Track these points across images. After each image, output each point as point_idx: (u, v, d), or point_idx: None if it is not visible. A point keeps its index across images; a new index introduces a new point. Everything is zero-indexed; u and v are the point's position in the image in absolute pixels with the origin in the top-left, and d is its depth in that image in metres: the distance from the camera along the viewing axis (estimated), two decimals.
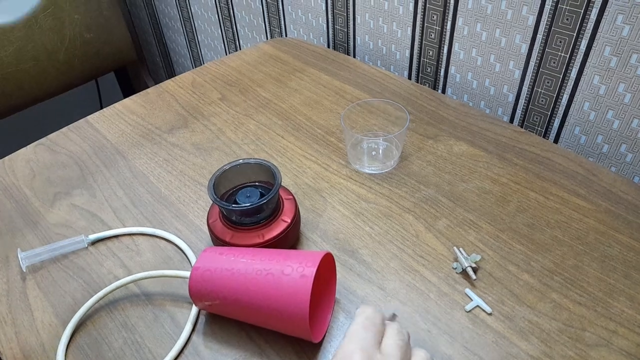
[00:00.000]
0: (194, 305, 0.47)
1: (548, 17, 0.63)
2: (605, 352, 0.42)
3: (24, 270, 0.52)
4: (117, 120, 0.74)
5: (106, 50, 1.24)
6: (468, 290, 0.47)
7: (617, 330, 0.44)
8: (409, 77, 0.86)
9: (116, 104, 0.78)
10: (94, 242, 0.55)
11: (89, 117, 0.75)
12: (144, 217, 0.58)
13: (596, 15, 0.59)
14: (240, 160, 0.52)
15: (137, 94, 0.80)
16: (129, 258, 0.53)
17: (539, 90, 0.70)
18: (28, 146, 0.70)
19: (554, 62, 0.66)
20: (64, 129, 0.73)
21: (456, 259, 0.50)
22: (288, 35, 1.06)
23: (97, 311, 0.48)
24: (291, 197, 0.53)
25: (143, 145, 0.69)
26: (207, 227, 0.51)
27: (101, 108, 0.77)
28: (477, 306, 0.46)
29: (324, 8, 0.93)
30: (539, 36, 0.65)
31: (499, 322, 0.45)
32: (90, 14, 1.18)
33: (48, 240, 0.56)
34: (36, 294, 0.51)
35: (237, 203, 0.49)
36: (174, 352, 0.44)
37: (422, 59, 0.82)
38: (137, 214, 0.58)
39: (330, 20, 0.93)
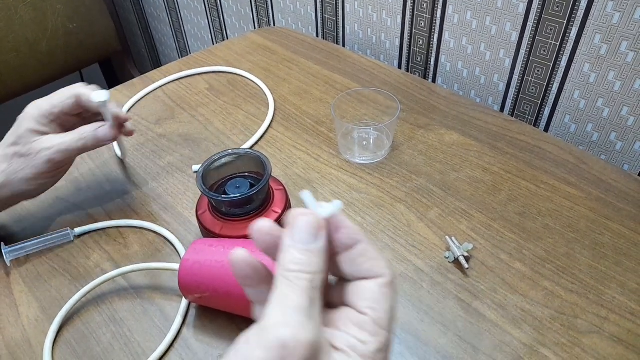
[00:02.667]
0: (183, 298, 0.46)
1: (538, 4, 0.63)
2: (597, 338, 0.42)
3: (8, 265, 0.50)
4: None
5: (90, 41, 1.21)
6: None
7: (608, 316, 0.44)
8: (399, 67, 0.85)
9: None
10: (80, 235, 0.54)
11: None
12: (132, 210, 0.57)
13: (586, 2, 0.58)
14: (229, 151, 0.51)
15: (123, 84, 0.78)
16: (116, 251, 0.52)
17: (529, 78, 0.69)
18: None
19: (544, 50, 0.66)
20: None
21: (448, 248, 0.50)
22: (276, 25, 1.05)
23: (84, 305, 0.47)
24: (282, 187, 0.52)
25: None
26: (196, 218, 0.50)
27: None
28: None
29: None
30: (530, 24, 0.65)
31: (492, 311, 0.45)
32: (72, 4, 1.15)
33: (33, 234, 0.54)
34: (21, 288, 0.49)
35: (226, 194, 0.48)
36: (164, 345, 0.43)
37: (412, 47, 0.81)
38: (124, 206, 0.57)
39: (319, 9, 0.92)
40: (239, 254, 0.27)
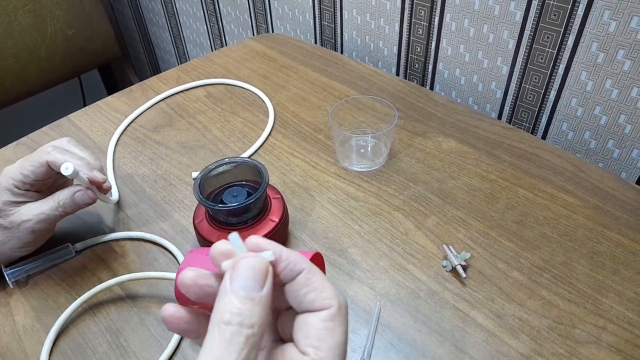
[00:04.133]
0: None
1: (535, 12, 0.63)
2: (594, 348, 0.42)
3: (11, 287, 0.50)
4: (100, 118, 0.73)
5: (89, 47, 1.21)
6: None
7: (606, 326, 0.44)
8: (397, 74, 0.86)
9: (99, 102, 0.76)
10: (81, 250, 0.53)
11: (71, 115, 0.73)
12: (129, 218, 0.57)
13: (583, 11, 0.59)
14: (227, 159, 0.51)
15: (121, 91, 0.78)
16: (113, 260, 0.52)
17: (527, 86, 0.69)
18: (8, 145, 0.68)
19: (541, 58, 0.66)
20: (44, 128, 0.71)
21: (446, 257, 0.50)
22: (275, 32, 1.05)
23: (80, 315, 0.47)
24: (279, 196, 0.52)
25: (127, 143, 0.68)
26: (193, 227, 0.50)
27: (84, 106, 0.75)
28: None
29: (311, 4, 0.92)
30: (527, 32, 0.65)
31: (489, 321, 0.45)
32: (71, 10, 1.15)
33: None
34: (17, 297, 0.49)
35: (223, 203, 0.48)
36: (165, 355, 0.43)
37: (410, 55, 0.81)
38: (122, 214, 0.57)
39: (317, 16, 0.92)
40: (168, 311, 0.26)
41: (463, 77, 0.76)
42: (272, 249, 0.25)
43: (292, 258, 0.25)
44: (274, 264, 0.24)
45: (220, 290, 0.23)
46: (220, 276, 0.25)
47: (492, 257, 0.50)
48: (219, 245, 0.25)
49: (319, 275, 0.25)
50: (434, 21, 0.74)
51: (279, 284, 0.25)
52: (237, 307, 0.22)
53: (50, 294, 0.49)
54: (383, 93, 0.74)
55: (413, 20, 0.77)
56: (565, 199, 0.56)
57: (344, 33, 0.90)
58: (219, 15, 1.17)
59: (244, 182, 0.51)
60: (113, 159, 0.65)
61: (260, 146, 0.66)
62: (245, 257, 0.24)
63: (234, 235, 0.24)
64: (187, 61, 0.86)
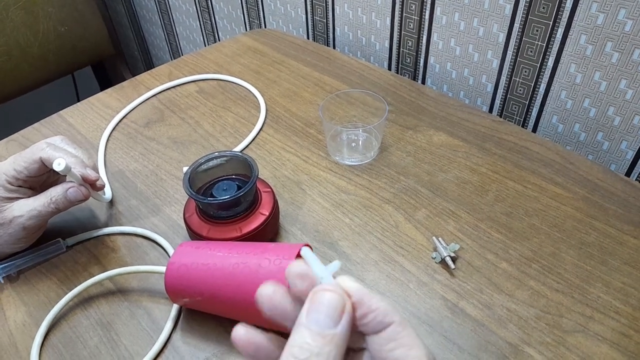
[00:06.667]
0: (174, 304, 0.46)
1: (524, 5, 0.63)
2: (581, 337, 0.43)
3: (1, 282, 0.50)
4: (91, 114, 0.73)
5: (82, 44, 1.21)
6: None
7: (593, 315, 0.44)
8: (389, 68, 0.86)
9: (91, 98, 0.76)
10: (72, 245, 0.53)
11: (63, 112, 0.73)
12: (120, 213, 0.57)
13: (571, 3, 0.59)
14: (216, 153, 0.51)
15: (112, 87, 0.78)
16: (104, 254, 0.52)
17: (517, 79, 0.70)
18: None
19: (531, 51, 0.66)
20: (36, 124, 0.71)
21: (435, 249, 0.50)
22: (267, 27, 1.05)
23: (71, 309, 0.47)
24: (269, 189, 0.52)
25: (118, 139, 0.68)
26: (183, 221, 0.51)
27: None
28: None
29: None
30: (516, 25, 0.65)
31: (478, 311, 0.45)
32: (64, 7, 1.15)
33: None
34: (8, 292, 0.49)
35: (213, 196, 0.48)
36: (155, 348, 0.43)
37: (401, 49, 0.81)
38: (113, 210, 0.57)
39: (309, 11, 0.92)
40: (238, 333, 0.24)
41: (454, 71, 0.76)
42: (351, 283, 0.23)
43: (382, 308, 0.22)
44: (356, 307, 0.23)
45: (297, 321, 0.22)
46: (297, 298, 0.24)
47: (481, 248, 0.50)
48: (295, 267, 0.23)
49: (409, 330, 0.22)
50: (424, 15, 0.74)
51: (358, 332, 0.23)
52: (307, 342, 0.21)
53: (41, 289, 0.49)
54: (375, 87, 0.74)
55: (404, 14, 0.77)
56: (555, 190, 0.56)
57: (335, 28, 0.90)
58: (211, 11, 1.17)
59: (234, 176, 0.51)
60: (104, 155, 0.65)
61: (252, 141, 0.66)
62: (323, 289, 0.22)
63: (307, 251, 0.23)
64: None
